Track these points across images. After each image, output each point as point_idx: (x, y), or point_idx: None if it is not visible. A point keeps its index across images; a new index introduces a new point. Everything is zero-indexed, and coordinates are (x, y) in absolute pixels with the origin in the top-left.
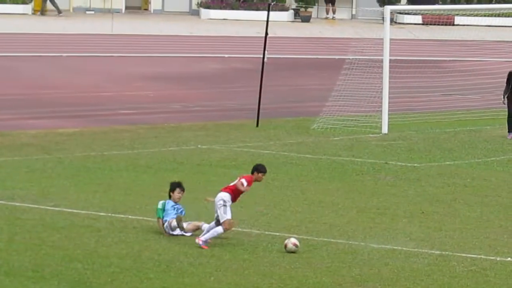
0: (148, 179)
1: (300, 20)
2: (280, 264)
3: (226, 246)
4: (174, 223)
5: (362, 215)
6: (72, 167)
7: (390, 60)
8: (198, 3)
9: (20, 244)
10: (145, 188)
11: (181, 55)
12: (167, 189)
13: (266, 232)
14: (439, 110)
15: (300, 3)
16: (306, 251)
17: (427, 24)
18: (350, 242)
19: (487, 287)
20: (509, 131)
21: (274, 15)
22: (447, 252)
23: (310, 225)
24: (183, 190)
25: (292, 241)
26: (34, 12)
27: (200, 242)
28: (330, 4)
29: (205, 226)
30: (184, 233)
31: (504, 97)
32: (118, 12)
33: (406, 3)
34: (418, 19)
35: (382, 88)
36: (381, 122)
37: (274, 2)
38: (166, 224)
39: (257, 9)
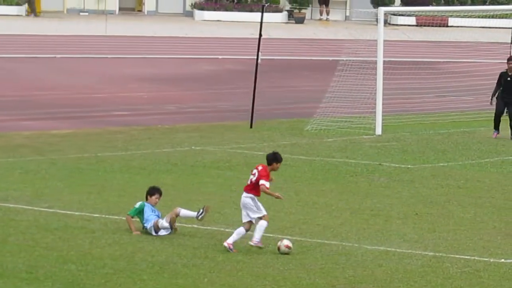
0: (141, 181)
1: (294, 21)
2: (274, 265)
3: (220, 248)
4: (162, 223)
5: (356, 216)
6: (65, 168)
7: (384, 62)
8: (192, 4)
9: (14, 246)
10: (139, 190)
11: (175, 57)
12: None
13: None
14: (433, 111)
15: (294, 4)
16: (299, 253)
17: (421, 26)
18: (344, 244)
19: None
20: (495, 129)
21: (268, 17)
22: (440, 254)
23: (303, 226)
24: (161, 195)
25: (284, 243)
26: (28, 13)
27: (254, 243)
28: (324, 5)
29: (180, 209)
30: (170, 230)
31: (492, 98)
32: (112, 14)
33: (400, 4)
34: (412, 20)
35: (376, 90)
36: (375, 123)
37: (268, 4)
38: (150, 226)
39: (251, 11)
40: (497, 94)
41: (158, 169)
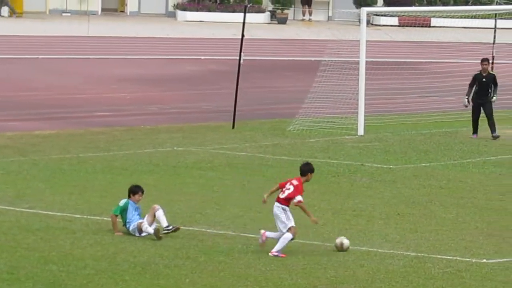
0: (123, 181)
1: (276, 22)
2: (256, 266)
3: (202, 248)
4: (146, 227)
5: (338, 216)
6: (47, 169)
7: (367, 62)
8: (174, 5)
9: None
10: (121, 190)
11: (157, 57)
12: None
13: (242, 234)
14: (415, 112)
15: (277, 5)
16: None
17: (403, 26)
18: (326, 244)
19: None
20: (474, 133)
21: (251, 17)
22: (422, 254)
23: None
24: (143, 193)
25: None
26: (10, 14)
27: (274, 254)
28: (307, 6)
29: (158, 209)
30: (150, 232)
31: (467, 99)
32: (95, 14)
33: (383, 4)
34: (395, 20)
35: (358, 90)
36: (357, 123)
37: (251, 4)
38: (133, 228)
39: (234, 11)
40: (471, 96)
41: (140, 170)
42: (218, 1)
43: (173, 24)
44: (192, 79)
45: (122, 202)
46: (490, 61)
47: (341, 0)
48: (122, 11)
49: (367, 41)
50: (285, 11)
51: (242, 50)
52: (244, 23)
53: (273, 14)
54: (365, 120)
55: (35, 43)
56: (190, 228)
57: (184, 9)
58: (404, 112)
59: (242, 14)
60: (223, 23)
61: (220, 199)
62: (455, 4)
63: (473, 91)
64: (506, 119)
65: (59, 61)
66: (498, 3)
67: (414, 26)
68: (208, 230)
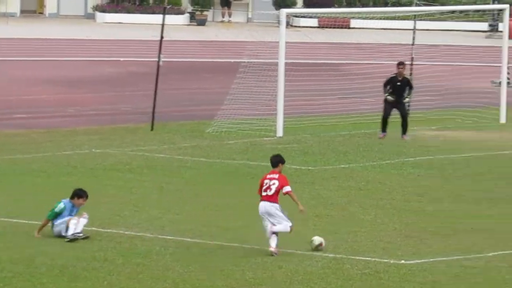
0: (41, 183)
1: (196, 23)
2: (174, 268)
3: (120, 250)
4: (76, 229)
5: (257, 218)
6: None
7: (286, 63)
8: (93, 6)
9: None
10: (39, 192)
11: (77, 59)
12: (62, 193)
13: (160, 236)
14: (334, 113)
15: (196, 6)
16: (200, 255)
17: (323, 27)
18: (244, 246)
19: None
20: (382, 131)
21: (170, 19)
22: (341, 255)
23: (204, 228)
24: (87, 198)
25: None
26: None
27: (275, 251)
28: (226, 7)
29: (86, 217)
30: (78, 235)
31: (388, 96)
32: (14, 16)
33: (302, 6)
34: (314, 22)
35: (277, 91)
36: (276, 125)
37: (170, 6)
38: (62, 226)
39: (153, 13)
40: (385, 96)
41: (58, 172)
42: (137, 3)
43: (92, 26)
44: (112, 80)
45: (59, 208)
46: (409, 63)
47: (260, 2)
48: (41, 13)
49: (286, 42)
50: (205, 12)
51: (161, 52)
52: (163, 24)
53: (192, 16)
54: (284, 121)
55: None
56: (108, 230)
57: (103, 11)
58: (323, 113)
59: (161, 16)
60: (142, 25)
61: (138, 201)
62: (374, 5)
63: (387, 91)
64: (424, 120)
65: None
66: (417, 5)
67: (334, 28)
68: (126, 232)
